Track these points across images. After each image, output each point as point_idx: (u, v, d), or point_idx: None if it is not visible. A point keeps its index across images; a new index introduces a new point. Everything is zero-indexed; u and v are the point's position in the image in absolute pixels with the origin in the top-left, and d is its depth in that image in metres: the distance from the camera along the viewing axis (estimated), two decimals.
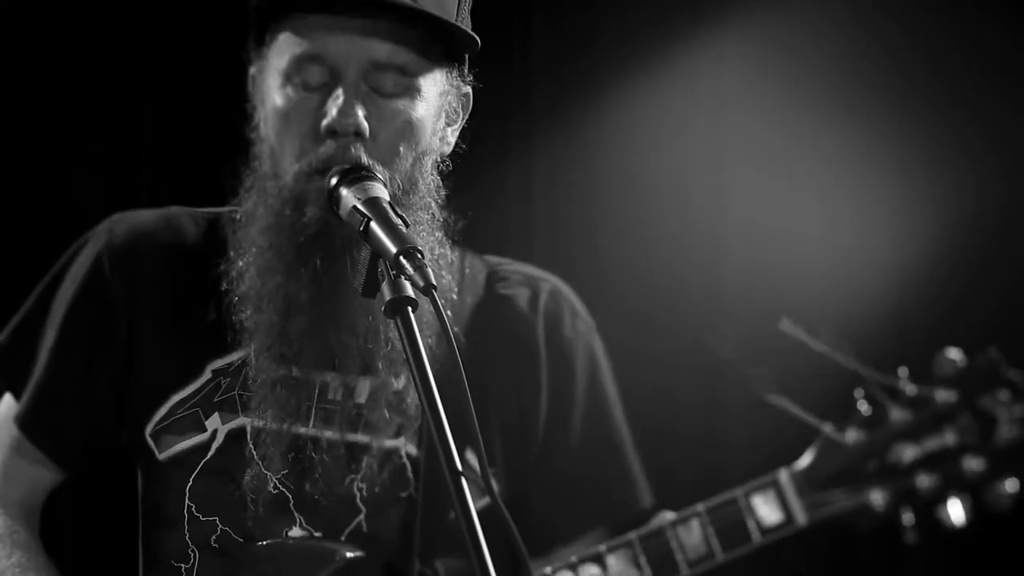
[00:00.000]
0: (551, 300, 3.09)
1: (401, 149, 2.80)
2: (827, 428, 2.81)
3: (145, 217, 3.06)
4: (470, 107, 2.93)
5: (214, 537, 2.93)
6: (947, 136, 4.24)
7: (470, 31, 2.80)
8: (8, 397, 3.08)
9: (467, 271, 3.06)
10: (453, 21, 2.78)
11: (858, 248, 4.25)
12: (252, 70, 2.93)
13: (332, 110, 2.75)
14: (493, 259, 3.12)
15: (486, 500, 2.32)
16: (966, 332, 3.72)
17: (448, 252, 2.95)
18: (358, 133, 2.74)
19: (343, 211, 2.62)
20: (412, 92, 2.80)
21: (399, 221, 2.50)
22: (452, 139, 2.91)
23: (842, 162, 4.30)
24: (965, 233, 4.20)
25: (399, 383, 2.91)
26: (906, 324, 4.12)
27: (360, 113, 2.74)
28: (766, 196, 4.34)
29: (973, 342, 2.92)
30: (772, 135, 4.35)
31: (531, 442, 3.03)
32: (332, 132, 2.75)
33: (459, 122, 2.92)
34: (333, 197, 2.66)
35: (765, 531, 2.79)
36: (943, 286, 4.15)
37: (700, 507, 2.81)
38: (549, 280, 3.13)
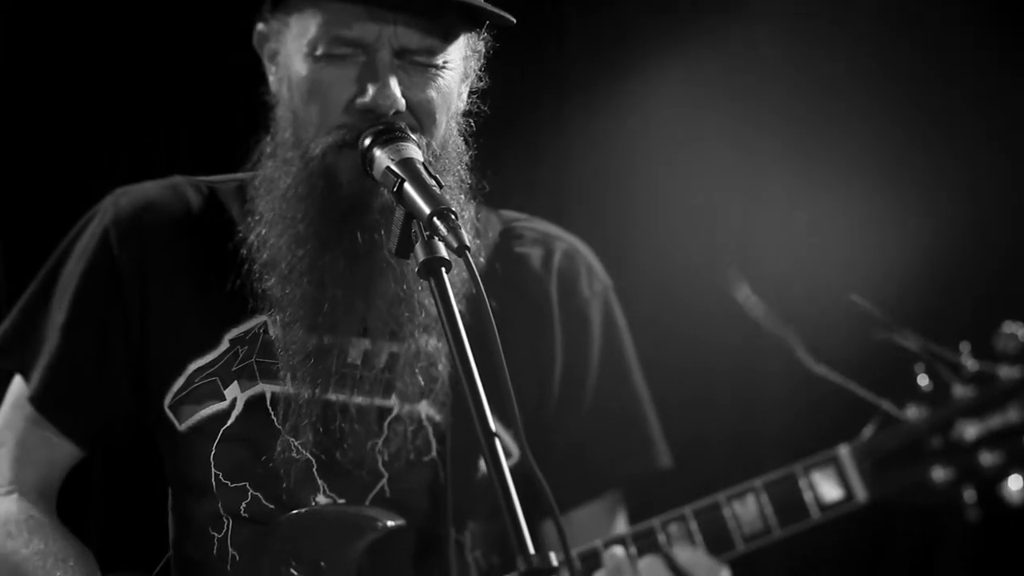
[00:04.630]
0: (566, 259, 3.07)
1: (435, 116, 2.80)
2: (886, 404, 2.77)
3: (149, 189, 3.04)
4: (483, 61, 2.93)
5: (244, 504, 2.91)
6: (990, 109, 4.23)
7: (500, 12, 2.81)
8: (17, 380, 3.03)
9: (482, 228, 3.04)
10: (485, 5, 2.79)
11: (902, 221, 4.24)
12: (261, 27, 2.91)
13: (369, 89, 2.74)
14: (508, 215, 3.12)
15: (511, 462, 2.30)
16: None
17: (470, 211, 2.93)
18: (397, 112, 2.74)
19: (377, 172, 2.61)
20: (441, 61, 2.81)
21: (433, 182, 2.50)
22: (466, 95, 2.92)
23: (877, 135, 4.29)
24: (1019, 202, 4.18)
25: (425, 348, 2.89)
26: (965, 300, 4.10)
27: (397, 92, 2.75)
28: (801, 169, 4.32)
29: None
30: (805, 109, 4.33)
31: (546, 403, 3.01)
32: (369, 111, 2.73)
33: (474, 79, 2.92)
34: (367, 158, 2.65)
35: (824, 507, 2.75)
36: (999, 260, 4.13)
37: (757, 482, 2.77)
38: (565, 238, 3.11)
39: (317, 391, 2.92)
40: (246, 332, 2.96)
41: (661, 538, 2.78)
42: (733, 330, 4.22)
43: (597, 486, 3.09)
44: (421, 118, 2.79)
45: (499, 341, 2.28)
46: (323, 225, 2.85)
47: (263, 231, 2.91)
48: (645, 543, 2.78)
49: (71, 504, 3.10)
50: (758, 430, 4.28)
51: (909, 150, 4.27)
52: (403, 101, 2.76)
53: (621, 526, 3.08)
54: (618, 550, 2.78)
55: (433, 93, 2.80)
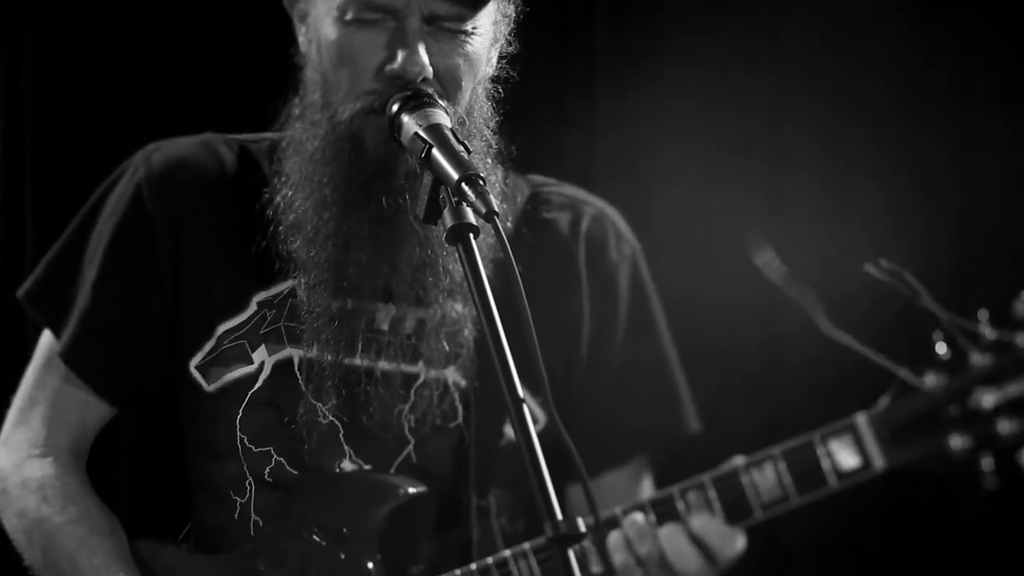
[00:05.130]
0: (593, 224, 3.08)
1: (462, 83, 2.80)
2: (904, 372, 2.77)
3: (182, 145, 3.04)
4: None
5: (268, 469, 2.92)
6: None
7: None
8: (46, 338, 3.04)
9: (509, 192, 3.04)
10: None
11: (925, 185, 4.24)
12: None
13: (399, 55, 2.74)
14: (537, 179, 3.12)
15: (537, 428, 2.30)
16: None
17: (498, 176, 2.94)
18: (424, 80, 2.75)
19: (404, 138, 2.62)
20: (470, 27, 2.81)
21: (461, 148, 2.50)
22: (495, 60, 2.92)
23: (903, 102, 4.29)
24: None
25: (451, 313, 2.90)
26: (983, 268, 4.10)
27: (426, 59, 2.75)
28: (827, 136, 4.32)
29: None
30: (832, 76, 4.32)
31: (573, 369, 3.02)
32: (397, 77, 2.73)
33: (503, 44, 2.93)
34: (395, 124, 2.65)
35: (842, 475, 2.76)
36: (1019, 228, 4.13)
37: (775, 450, 2.78)
38: (593, 203, 3.12)
39: (342, 355, 2.93)
40: (275, 296, 2.97)
41: (680, 506, 2.79)
42: (755, 298, 4.23)
43: (625, 451, 3.11)
44: (446, 85, 2.79)
45: (527, 306, 2.29)
46: (349, 189, 2.87)
47: (289, 193, 2.92)
48: (663, 510, 2.80)
49: (97, 471, 3.11)
50: (777, 397, 4.28)
51: (933, 116, 4.27)
52: (431, 70, 2.76)
53: (647, 491, 3.09)
54: (638, 517, 2.80)
55: (460, 60, 2.81)
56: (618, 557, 2.78)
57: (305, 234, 2.91)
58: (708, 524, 2.78)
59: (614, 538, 2.79)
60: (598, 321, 3.07)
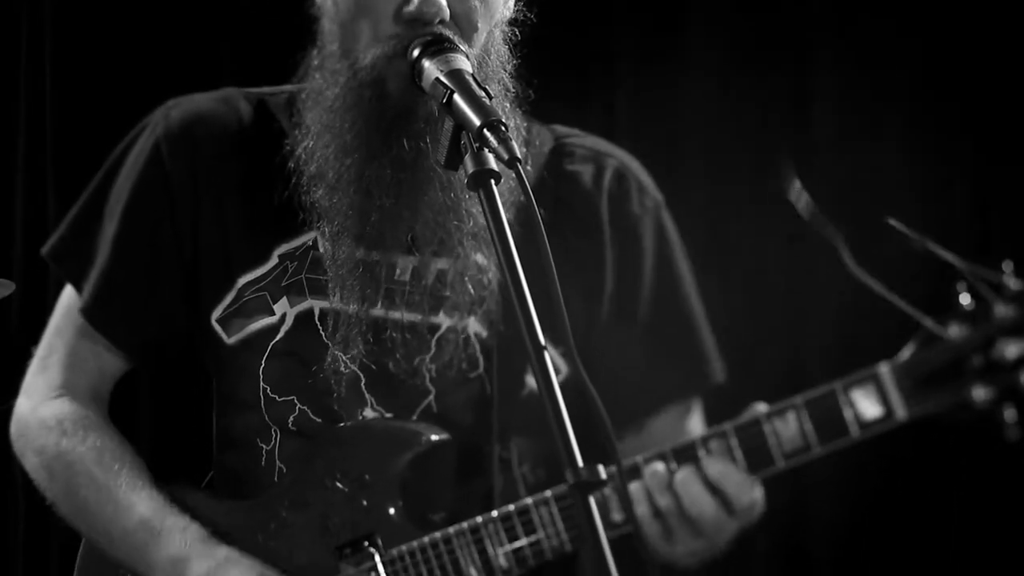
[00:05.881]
0: (616, 176, 3.07)
1: (478, 25, 2.80)
2: (928, 322, 2.76)
3: (201, 101, 3.05)
4: None
5: (292, 418, 2.94)
6: None
7: None
8: (67, 290, 3.06)
9: (533, 142, 3.03)
10: None
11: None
12: None
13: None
14: (561, 130, 3.11)
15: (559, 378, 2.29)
16: None
17: (517, 122, 2.92)
18: (442, 21, 2.73)
19: (425, 83, 2.61)
20: None
21: (482, 93, 2.49)
22: (512, 2, 2.91)
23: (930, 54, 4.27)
24: None
25: (473, 264, 2.90)
26: (1009, 219, 4.09)
27: (443, 0, 2.72)
28: (852, 82, 4.31)
29: None
30: (859, 26, 4.31)
31: (596, 323, 3.01)
32: (414, 20, 2.73)
33: None
34: (416, 69, 2.64)
35: (864, 425, 2.75)
36: None
37: (797, 399, 2.77)
38: (616, 155, 3.11)
39: (365, 304, 2.94)
40: (296, 248, 2.98)
41: (701, 454, 2.79)
42: (779, 250, 4.24)
43: (652, 404, 3.11)
44: (462, 26, 2.79)
45: (549, 253, 2.28)
46: (370, 135, 2.87)
47: (310, 143, 2.93)
48: (685, 458, 2.80)
49: (118, 423, 3.13)
50: (800, 347, 4.29)
51: (962, 66, 4.25)
52: (448, 11, 2.76)
53: (697, 431, 3.09)
54: (659, 466, 2.80)
55: (477, 2, 2.80)
56: (640, 508, 2.78)
57: (327, 182, 2.91)
58: (725, 470, 2.77)
59: (635, 488, 2.79)
60: (621, 274, 3.07)
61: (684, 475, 2.77)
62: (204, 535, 2.92)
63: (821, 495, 4.46)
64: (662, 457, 2.80)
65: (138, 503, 2.96)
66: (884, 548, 4.44)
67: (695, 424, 3.13)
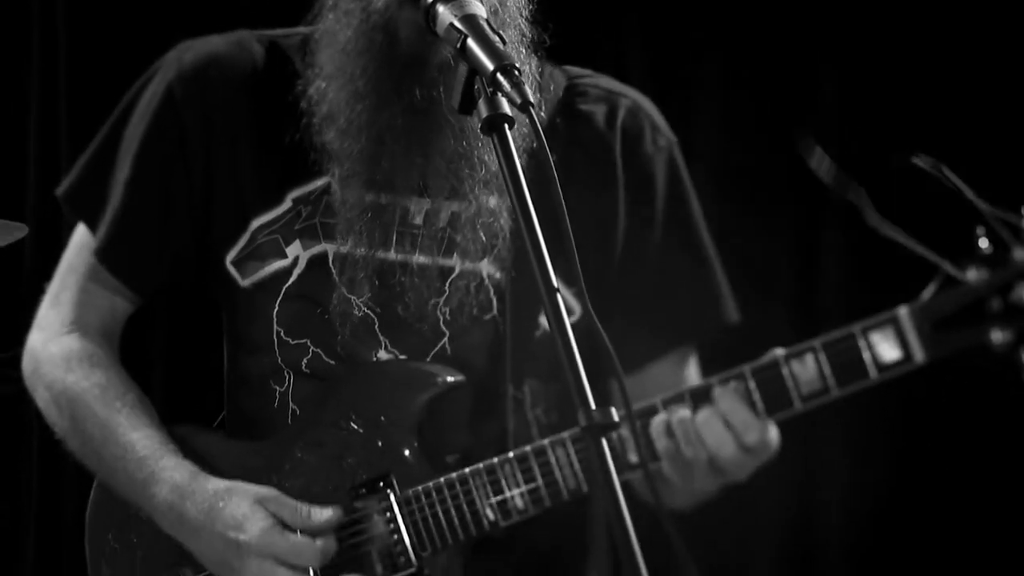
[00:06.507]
0: (629, 116, 3.06)
1: None
2: (947, 265, 2.75)
3: (214, 43, 3.04)
4: None
5: (305, 360, 2.94)
6: None
7: None
8: (81, 228, 3.07)
9: (546, 86, 3.02)
10: None
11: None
12: None
13: None
14: (573, 71, 3.10)
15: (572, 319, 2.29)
16: None
17: (531, 67, 2.91)
18: None
19: (440, 28, 2.58)
20: None
21: (496, 38, 2.46)
22: None
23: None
24: None
25: (486, 206, 2.90)
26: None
27: None
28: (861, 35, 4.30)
29: None
30: None
31: (608, 263, 3.01)
32: None
33: None
34: (430, 15, 2.62)
35: (882, 368, 2.74)
36: None
37: (815, 342, 2.77)
38: (629, 95, 3.09)
39: (376, 248, 2.94)
40: (310, 192, 2.98)
41: (717, 392, 2.79)
42: (795, 195, 4.23)
43: (666, 343, 3.10)
44: None
45: (561, 196, 2.28)
46: (381, 81, 2.86)
47: (323, 85, 2.92)
48: (703, 400, 2.79)
49: (129, 365, 3.13)
50: (817, 289, 4.28)
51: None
52: None
53: (693, 378, 3.09)
54: (683, 411, 2.78)
55: None
56: (660, 442, 2.77)
57: (338, 126, 2.91)
58: (734, 406, 2.76)
59: (656, 422, 2.78)
60: (634, 214, 3.06)
61: (703, 414, 2.76)
62: (194, 471, 2.92)
63: (830, 497, 4.49)
64: (679, 399, 2.80)
65: (136, 442, 2.96)
66: (893, 552, 4.46)
67: (692, 373, 3.13)
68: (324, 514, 2.87)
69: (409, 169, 2.92)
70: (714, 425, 2.75)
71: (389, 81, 2.85)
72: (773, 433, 2.81)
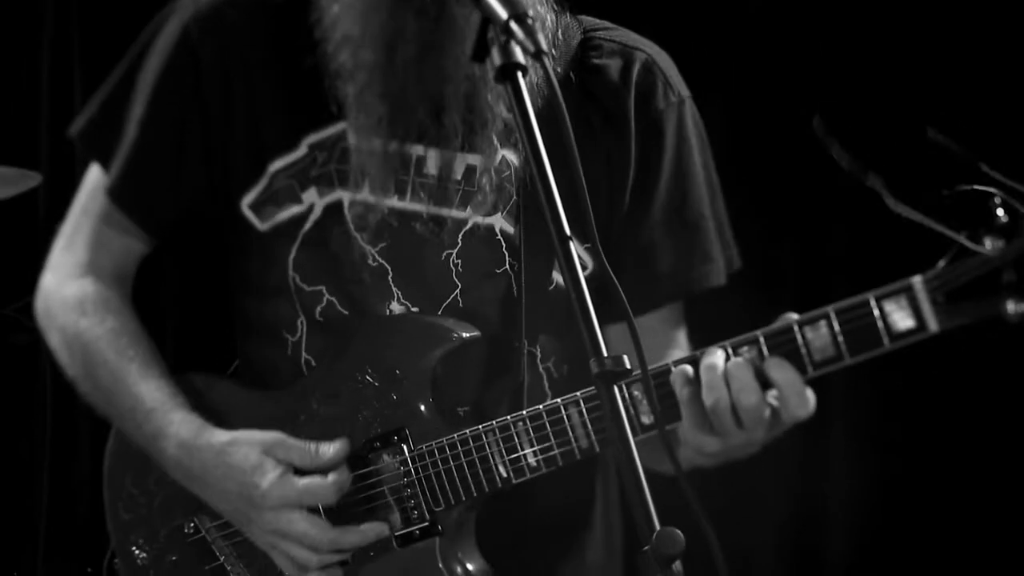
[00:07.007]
0: (644, 71, 3.05)
1: None
2: (962, 236, 2.75)
3: None
4: None
5: (320, 308, 2.96)
6: None
7: None
8: (95, 169, 3.07)
9: (560, 35, 3.02)
10: None
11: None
12: None
13: None
14: (589, 22, 3.08)
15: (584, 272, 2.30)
16: None
17: (546, 17, 2.92)
18: None
19: None
20: None
21: None
22: None
23: None
24: None
25: (500, 160, 2.90)
26: None
27: None
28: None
29: None
30: None
31: (616, 215, 3.00)
32: None
33: None
34: None
35: (895, 336, 2.73)
36: None
37: (829, 309, 2.76)
38: (644, 49, 3.08)
39: (390, 198, 2.95)
40: (326, 139, 2.99)
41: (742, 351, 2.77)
42: (811, 159, 4.22)
43: (657, 297, 3.09)
44: None
45: (575, 146, 2.28)
46: (395, 29, 2.87)
47: (336, 8, 2.92)
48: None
49: (144, 305, 3.15)
50: (832, 256, 4.28)
51: None
52: None
53: (681, 336, 3.09)
54: (715, 357, 2.73)
55: None
56: (681, 390, 2.72)
57: (353, 41, 2.90)
58: (785, 372, 2.74)
59: (678, 371, 2.74)
60: (641, 168, 3.05)
61: (739, 364, 2.70)
62: (200, 425, 2.93)
63: (835, 498, 4.49)
64: (693, 361, 2.78)
65: (145, 395, 2.98)
66: (897, 551, 4.46)
67: (680, 336, 3.13)
68: (332, 448, 2.89)
69: (425, 118, 2.92)
70: (743, 370, 2.71)
71: (403, 27, 2.86)
72: (809, 395, 2.75)
